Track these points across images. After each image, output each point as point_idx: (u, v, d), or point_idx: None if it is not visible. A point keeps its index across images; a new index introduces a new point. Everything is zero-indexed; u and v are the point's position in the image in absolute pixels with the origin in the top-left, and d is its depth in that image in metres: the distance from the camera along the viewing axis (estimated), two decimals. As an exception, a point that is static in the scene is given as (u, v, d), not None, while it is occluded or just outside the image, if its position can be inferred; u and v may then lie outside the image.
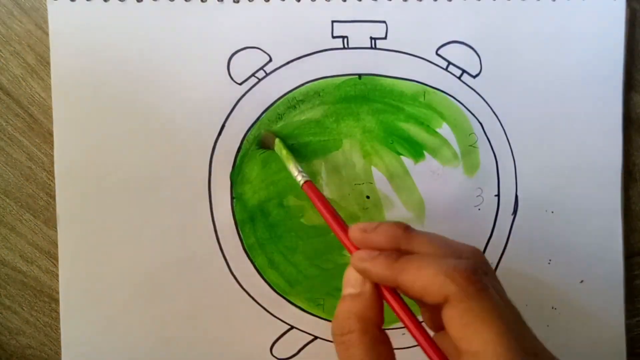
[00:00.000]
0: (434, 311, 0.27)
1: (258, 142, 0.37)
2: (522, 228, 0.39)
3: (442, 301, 0.23)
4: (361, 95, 0.37)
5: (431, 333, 0.26)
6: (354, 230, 0.28)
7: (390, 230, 0.27)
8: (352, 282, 0.27)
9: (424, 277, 0.24)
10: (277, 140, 0.36)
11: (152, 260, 0.37)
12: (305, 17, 0.37)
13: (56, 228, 0.37)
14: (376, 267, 0.26)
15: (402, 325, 0.36)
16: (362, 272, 0.26)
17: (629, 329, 0.40)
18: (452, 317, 0.23)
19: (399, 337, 0.39)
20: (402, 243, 0.26)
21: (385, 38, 0.37)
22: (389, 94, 0.38)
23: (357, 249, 0.28)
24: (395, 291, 0.26)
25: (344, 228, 0.29)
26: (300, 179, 0.33)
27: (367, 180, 0.38)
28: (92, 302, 0.37)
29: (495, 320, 0.22)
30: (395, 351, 0.38)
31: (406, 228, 0.27)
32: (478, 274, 0.24)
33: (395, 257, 0.26)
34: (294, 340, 0.38)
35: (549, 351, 0.25)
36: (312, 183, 0.32)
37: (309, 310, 0.38)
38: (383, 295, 0.26)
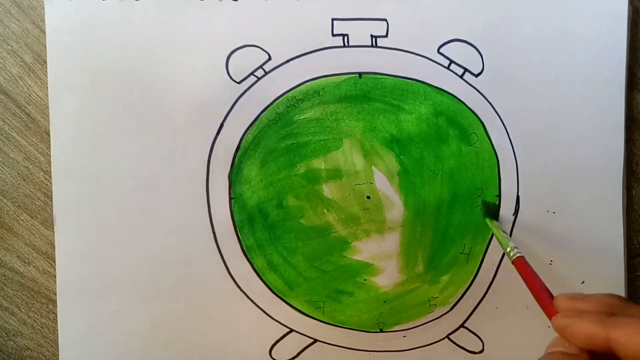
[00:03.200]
0: None
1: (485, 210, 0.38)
2: (523, 228, 0.38)
3: None
4: (362, 94, 0.37)
5: None
6: (562, 298, 0.25)
7: (604, 299, 0.24)
8: (564, 343, 0.23)
9: None
10: (487, 220, 0.37)
11: (149, 262, 0.37)
12: (305, 14, 0.36)
13: (53, 229, 0.36)
14: (584, 321, 0.22)
15: (404, 328, 0.36)
16: (564, 330, 0.23)
17: (631, 330, 0.40)
18: None
19: (400, 339, 0.38)
20: (618, 313, 0.23)
21: (386, 36, 0.37)
22: (389, 93, 0.37)
23: None
24: None
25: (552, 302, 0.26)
26: (512, 254, 0.31)
27: (368, 180, 0.38)
28: (89, 304, 0.37)
29: None
30: (397, 353, 0.39)
31: (622, 298, 0.24)
32: None
33: (607, 314, 0.22)
34: (294, 343, 0.38)
35: None
36: (524, 259, 0.30)
37: (309, 313, 0.38)
38: None
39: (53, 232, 0.37)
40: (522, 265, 0.30)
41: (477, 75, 0.38)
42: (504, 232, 0.35)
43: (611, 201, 0.39)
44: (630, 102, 0.39)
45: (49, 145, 0.36)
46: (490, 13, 0.37)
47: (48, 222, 0.37)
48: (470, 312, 0.38)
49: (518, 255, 0.31)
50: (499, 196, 0.38)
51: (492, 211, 0.38)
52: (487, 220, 0.37)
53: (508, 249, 0.32)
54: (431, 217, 0.38)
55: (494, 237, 0.38)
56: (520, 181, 0.38)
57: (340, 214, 0.37)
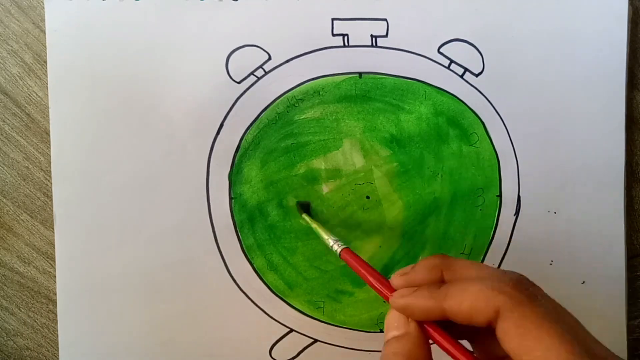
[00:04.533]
0: (488, 341, 0.25)
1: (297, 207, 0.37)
2: (524, 229, 0.38)
3: (493, 316, 0.22)
4: (362, 94, 0.37)
5: None
6: (395, 278, 0.27)
7: (428, 263, 0.26)
8: (394, 325, 0.25)
9: (470, 296, 0.23)
10: (304, 216, 0.36)
11: (149, 262, 0.37)
12: (305, 14, 0.36)
13: (53, 229, 0.36)
14: (418, 299, 0.24)
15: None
16: (405, 309, 0.25)
17: (630, 330, 0.40)
18: (506, 330, 0.21)
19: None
20: (444, 272, 0.26)
21: (386, 36, 0.37)
22: (389, 93, 0.37)
23: None
24: (441, 328, 0.25)
25: (387, 285, 0.27)
26: (336, 248, 0.31)
27: (368, 180, 0.38)
28: (89, 304, 0.37)
29: (554, 325, 0.21)
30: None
31: (444, 257, 0.26)
32: (524, 284, 0.23)
33: (436, 286, 0.24)
34: (294, 343, 0.38)
35: (616, 355, 0.23)
36: (349, 249, 0.30)
37: (309, 313, 0.38)
38: (429, 333, 0.25)
39: (53, 232, 0.36)
40: (349, 256, 0.30)
41: (477, 75, 0.38)
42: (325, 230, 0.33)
43: (611, 201, 0.39)
44: (630, 102, 0.39)
45: (49, 145, 0.36)
46: (491, 13, 0.37)
47: (48, 222, 0.37)
48: (470, 312, 0.38)
49: (343, 247, 0.30)
50: (500, 196, 0.38)
51: (305, 208, 0.37)
52: (305, 217, 0.36)
53: (331, 243, 0.31)
54: (431, 217, 0.38)
55: (494, 237, 0.38)
56: (520, 181, 0.38)
57: (340, 214, 0.37)
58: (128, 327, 0.37)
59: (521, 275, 0.24)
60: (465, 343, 0.26)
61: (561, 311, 0.23)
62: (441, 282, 0.25)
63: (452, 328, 0.24)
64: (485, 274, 0.25)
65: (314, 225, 0.34)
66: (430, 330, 0.25)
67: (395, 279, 0.27)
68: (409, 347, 0.24)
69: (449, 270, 0.26)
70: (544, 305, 0.22)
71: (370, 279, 0.28)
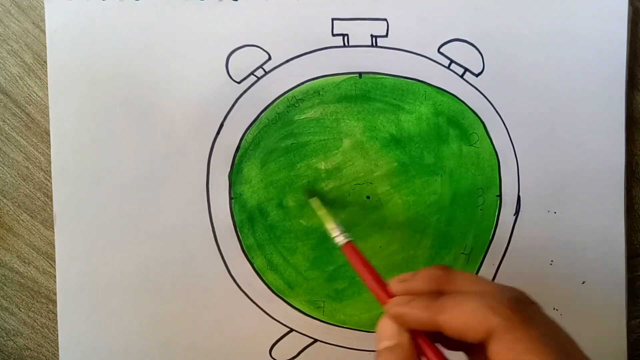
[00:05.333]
0: (483, 356, 0.25)
1: (304, 192, 0.37)
2: (524, 229, 0.38)
3: (485, 336, 0.22)
4: (362, 94, 0.37)
5: None
6: (394, 283, 0.27)
7: (429, 273, 0.26)
8: (387, 334, 0.25)
9: (465, 312, 0.22)
10: (311, 200, 0.35)
11: (149, 261, 0.37)
12: (305, 14, 0.36)
13: (53, 229, 0.36)
14: (413, 310, 0.24)
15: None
16: (399, 318, 0.25)
17: (630, 330, 0.40)
18: (498, 352, 0.21)
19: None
20: (444, 284, 0.25)
21: (386, 36, 0.37)
22: (390, 93, 0.37)
23: None
24: (432, 342, 0.25)
25: (385, 289, 0.27)
26: (339, 240, 0.30)
27: (367, 180, 0.38)
28: (89, 304, 0.37)
29: (546, 348, 0.21)
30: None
31: (445, 268, 0.26)
32: (521, 303, 0.23)
33: (433, 297, 0.24)
34: (294, 342, 0.38)
35: None
36: (352, 244, 0.30)
37: (309, 313, 0.38)
38: (419, 346, 0.25)
39: (53, 232, 0.36)
40: (351, 250, 0.29)
41: (477, 75, 0.38)
42: (329, 215, 0.32)
43: (611, 201, 0.39)
44: (630, 102, 0.39)
45: (49, 145, 0.36)
46: (491, 13, 0.37)
47: (48, 222, 0.37)
48: (470, 312, 0.38)
49: (347, 240, 0.30)
50: (500, 196, 0.38)
51: (313, 194, 0.36)
52: (311, 201, 0.35)
53: (335, 234, 0.30)
54: (432, 217, 0.38)
55: (494, 237, 0.38)
56: (520, 181, 0.38)
57: (340, 214, 0.37)
58: (128, 327, 0.37)
59: (521, 292, 0.24)
60: (461, 354, 0.26)
61: (556, 332, 0.23)
62: (440, 293, 0.25)
63: (447, 339, 0.24)
64: (484, 289, 0.24)
65: (320, 212, 0.33)
66: (422, 343, 0.25)
67: (394, 284, 0.27)
68: (402, 358, 0.24)
69: (449, 283, 0.25)
70: (538, 327, 0.22)
71: (369, 279, 0.28)
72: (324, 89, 0.37)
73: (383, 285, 0.27)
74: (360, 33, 0.37)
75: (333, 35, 0.37)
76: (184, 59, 0.36)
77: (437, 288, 0.25)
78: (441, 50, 0.37)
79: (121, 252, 0.36)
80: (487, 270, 0.38)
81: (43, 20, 0.36)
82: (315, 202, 0.35)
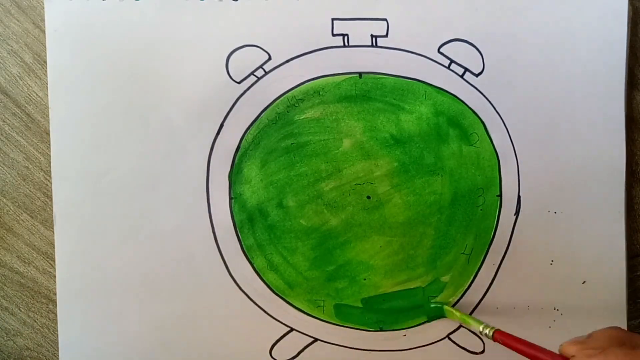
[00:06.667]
0: None
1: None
2: (524, 228, 0.38)
3: None
4: (362, 94, 0.37)
5: None
6: (568, 346, 0.26)
7: (610, 332, 0.25)
8: None
9: None
10: (445, 308, 0.36)
11: (149, 261, 0.37)
12: (305, 14, 0.36)
13: (53, 229, 0.36)
14: (609, 358, 0.23)
15: (404, 327, 0.36)
16: None
17: (631, 330, 0.40)
18: None
19: (400, 339, 0.38)
20: (627, 344, 0.24)
21: (386, 36, 0.37)
22: (390, 93, 0.37)
23: None
24: None
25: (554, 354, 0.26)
26: (488, 331, 0.31)
27: (368, 180, 0.37)
28: (89, 304, 0.37)
29: None
30: (397, 353, 0.38)
31: (624, 330, 0.25)
32: None
33: (630, 347, 0.24)
34: (294, 342, 0.38)
35: None
36: (501, 331, 0.31)
37: (309, 312, 0.38)
38: None
39: (53, 232, 0.36)
40: (504, 336, 0.30)
41: (477, 75, 0.38)
42: (472, 318, 0.34)
43: (612, 201, 0.39)
44: (630, 102, 0.39)
45: (49, 145, 0.36)
46: (490, 13, 0.37)
47: (48, 222, 0.37)
48: (470, 312, 0.38)
49: (494, 329, 0.31)
50: (500, 196, 0.38)
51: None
52: (448, 309, 0.36)
53: (481, 328, 0.32)
54: (432, 217, 0.38)
55: (494, 237, 0.38)
56: (521, 181, 0.38)
57: (340, 214, 0.37)
58: (128, 327, 0.37)
59: None
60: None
61: None
62: None
63: None
64: None
65: (461, 316, 0.35)
66: None
67: (569, 348, 0.25)
68: None
69: (631, 344, 0.24)
70: None
71: (537, 354, 0.27)
72: (324, 89, 0.37)
73: (552, 353, 0.26)
74: (360, 33, 0.37)
75: (333, 35, 0.37)
76: (184, 59, 0.36)
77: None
78: (441, 50, 0.37)
79: (121, 252, 0.36)
80: (487, 271, 0.38)
81: (43, 20, 0.36)
82: (449, 312, 0.36)
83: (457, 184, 0.38)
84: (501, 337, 0.30)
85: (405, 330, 0.38)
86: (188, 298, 0.37)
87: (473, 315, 0.38)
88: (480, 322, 0.32)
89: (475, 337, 0.38)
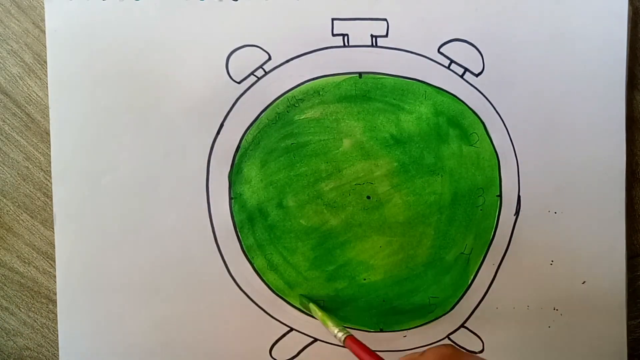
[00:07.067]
0: None
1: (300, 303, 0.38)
2: (524, 229, 0.38)
3: None
4: (362, 94, 0.37)
5: None
6: None
7: (438, 351, 0.26)
8: None
9: None
10: (311, 305, 0.36)
11: (149, 262, 0.37)
12: (305, 14, 0.36)
13: (53, 229, 0.36)
14: None
15: (404, 328, 0.36)
16: None
17: (631, 330, 0.40)
18: None
19: (400, 339, 0.38)
20: None
21: (386, 36, 0.37)
22: (390, 93, 0.37)
23: None
24: None
25: None
26: (341, 335, 0.32)
27: (368, 180, 0.38)
28: (89, 304, 0.37)
29: None
30: (397, 353, 0.38)
31: (454, 348, 0.26)
32: None
33: None
34: (294, 342, 0.38)
35: None
36: (353, 337, 0.31)
37: (309, 312, 0.38)
38: None
39: (53, 232, 0.36)
40: (353, 343, 0.30)
41: (477, 75, 0.38)
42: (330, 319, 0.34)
43: (612, 201, 0.39)
44: (630, 102, 0.39)
45: (49, 145, 0.36)
46: (490, 13, 0.37)
47: (48, 222, 0.37)
48: (470, 312, 0.38)
49: (347, 334, 0.31)
50: (500, 196, 0.38)
51: (310, 300, 0.38)
52: (311, 305, 0.36)
53: (336, 330, 0.32)
54: (432, 217, 0.38)
55: (494, 237, 0.38)
56: (521, 181, 0.38)
57: (340, 214, 0.37)
58: (128, 327, 0.37)
59: None
60: None
61: None
62: None
63: None
64: None
65: (319, 314, 0.35)
66: None
67: None
68: None
69: None
70: None
71: None
72: (324, 89, 0.37)
73: None
74: (360, 33, 0.37)
75: (333, 35, 0.37)
76: (184, 59, 0.36)
77: None
78: (441, 50, 0.37)
79: (121, 252, 0.36)
80: (487, 271, 0.38)
81: (43, 20, 0.36)
82: (313, 308, 0.36)
83: (457, 184, 0.38)
84: (350, 344, 0.31)
85: (405, 330, 0.38)
86: (188, 298, 0.37)
87: (475, 312, 0.38)
88: (337, 325, 0.33)
89: (475, 337, 0.38)
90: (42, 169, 0.37)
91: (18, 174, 0.37)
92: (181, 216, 0.37)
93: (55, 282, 0.37)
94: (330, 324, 0.33)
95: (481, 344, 0.38)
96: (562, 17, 0.38)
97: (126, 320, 0.37)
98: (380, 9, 0.37)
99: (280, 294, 0.38)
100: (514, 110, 0.38)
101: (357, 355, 0.30)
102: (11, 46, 0.37)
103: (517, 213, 0.38)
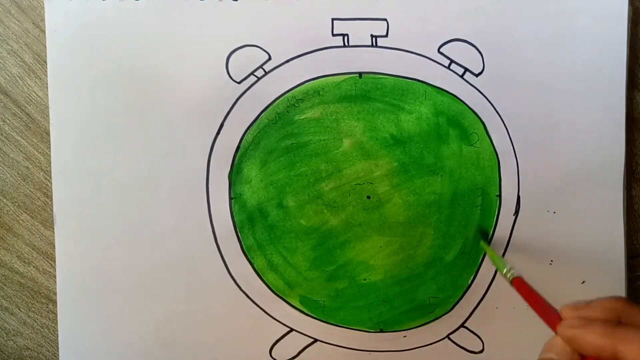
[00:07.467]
0: None
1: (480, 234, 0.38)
2: (523, 228, 0.38)
3: None
4: (362, 94, 0.37)
5: None
6: (566, 310, 0.25)
7: (608, 304, 0.24)
8: (556, 349, 0.24)
9: None
10: (482, 243, 0.37)
11: (149, 262, 0.37)
12: (305, 14, 0.36)
13: (53, 229, 0.36)
14: (589, 334, 0.23)
15: (404, 328, 0.36)
16: (572, 341, 0.24)
17: (631, 330, 0.40)
18: None
19: (400, 339, 0.38)
20: (623, 317, 0.24)
21: (386, 36, 0.37)
22: (389, 93, 0.37)
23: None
24: None
25: (558, 315, 0.26)
26: (509, 275, 0.31)
27: (368, 180, 0.38)
28: (89, 304, 0.37)
29: None
30: (397, 353, 0.38)
31: (627, 301, 0.24)
32: None
33: (614, 324, 0.23)
34: (294, 342, 0.38)
35: None
36: (520, 280, 0.31)
37: (309, 312, 0.38)
38: None
39: (53, 232, 0.36)
40: (521, 285, 0.30)
41: (477, 75, 0.38)
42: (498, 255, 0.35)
43: (611, 201, 0.39)
44: (630, 102, 0.39)
45: (49, 145, 0.36)
46: (491, 13, 0.37)
47: (48, 222, 0.37)
48: (470, 312, 0.38)
49: (516, 275, 0.31)
50: (499, 196, 0.38)
51: (485, 236, 0.38)
52: (482, 244, 0.37)
53: (505, 270, 0.32)
54: (432, 217, 0.38)
55: (495, 237, 0.38)
56: (520, 181, 0.38)
57: (340, 214, 0.37)
58: (128, 327, 0.37)
59: None
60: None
61: None
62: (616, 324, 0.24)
63: None
64: None
65: (490, 252, 0.36)
66: None
67: (567, 311, 0.25)
68: None
69: (629, 316, 0.24)
70: None
71: (539, 305, 0.27)
72: (324, 89, 0.37)
73: (555, 312, 0.26)
74: (360, 33, 0.37)
75: (333, 35, 0.37)
76: (184, 59, 0.36)
77: (614, 319, 0.24)
78: (441, 50, 0.37)
79: (121, 252, 0.36)
80: (486, 270, 0.38)
81: (43, 20, 0.36)
82: (486, 246, 0.37)
83: (456, 184, 0.38)
84: (517, 285, 0.30)
85: (405, 331, 0.38)
86: (188, 298, 0.37)
87: (475, 312, 0.38)
88: (505, 266, 0.32)
89: (475, 337, 0.38)
90: (42, 169, 0.37)
91: (18, 174, 0.37)
92: (181, 216, 0.37)
93: (55, 282, 0.37)
94: (498, 263, 0.33)
95: (481, 344, 0.38)
96: (562, 16, 0.38)
97: (126, 321, 0.37)
98: (380, 9, 0.37)
99: (280, 294, 0.38)
100: (514, 110, 0.38)
101: (523, 297, 0.29)
102: (11, 46, 0.37)
103: (516, 213, 0.38)
